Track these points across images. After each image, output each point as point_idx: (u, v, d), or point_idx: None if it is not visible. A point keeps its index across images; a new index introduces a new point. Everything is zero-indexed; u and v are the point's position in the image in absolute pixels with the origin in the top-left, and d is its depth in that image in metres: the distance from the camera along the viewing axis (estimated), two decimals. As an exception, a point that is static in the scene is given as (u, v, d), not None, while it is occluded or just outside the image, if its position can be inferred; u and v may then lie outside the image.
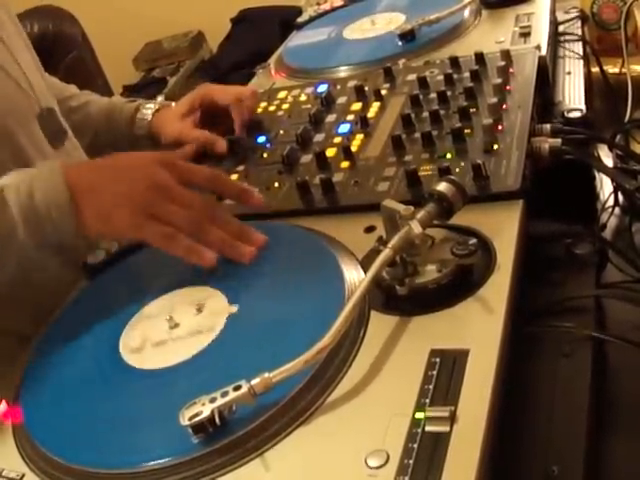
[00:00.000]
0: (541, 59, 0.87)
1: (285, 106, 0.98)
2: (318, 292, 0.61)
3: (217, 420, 0.49)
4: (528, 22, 0.98)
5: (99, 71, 2.43)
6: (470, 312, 0.55)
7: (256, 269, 0.66)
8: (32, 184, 0.68)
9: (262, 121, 0.96)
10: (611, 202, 0.82)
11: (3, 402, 0.61)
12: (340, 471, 0.46)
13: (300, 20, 1.30)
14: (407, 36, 1.03)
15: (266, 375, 0.50)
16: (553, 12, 1.04)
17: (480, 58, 0.88)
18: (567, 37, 1.04)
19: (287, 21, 1.46)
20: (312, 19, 1.29)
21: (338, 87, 0.97)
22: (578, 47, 1.00)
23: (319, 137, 0.86)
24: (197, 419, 0.49)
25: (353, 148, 0.80)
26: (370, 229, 0.67)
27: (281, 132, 0.91)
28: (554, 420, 0.52)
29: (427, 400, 0.48)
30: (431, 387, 0.49)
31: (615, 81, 1.07)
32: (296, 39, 1.25)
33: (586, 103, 0.85)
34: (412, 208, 0.58)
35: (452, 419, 0.46)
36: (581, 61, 0.97)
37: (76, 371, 0.63)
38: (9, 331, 0.80)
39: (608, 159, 0.86)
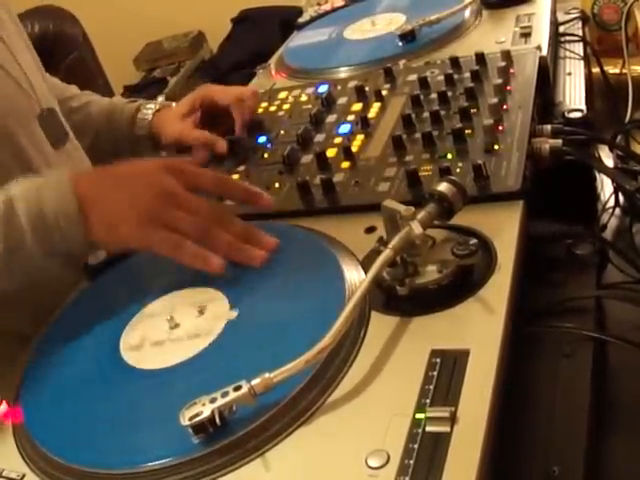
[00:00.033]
0: (542, 59, 0.87)
1: (286, 106, 0.98)
2: (319, 292, 0.61)
3: (217, 420, 0.49)
4: (529, 22, 0.98)
5: (100, 71, 2.43)
6: (471, 312, 0.55)
7: (257, 269, 0.66)
8: (41, 193, 0.68)
9: (263, 121, 0.96)
10: (611, 203, 0.82)
11: (3, 402, 0.61)
12: (341, 471, 0.46)
13: (301, 20, 1.30)
14: (407, 36, 1.03)
15: (267, 375, 0.50)
16: (554, 13, 1.04)
17: (481, 58, 0.88)
18: (568, 38, 1.04)
19: (288, 21, 1.46)
20: (313, 19, 1.29)
21: (339, 87, 0.97)
22: (579, 48, 1.00)
23: (320, 137, 0.86)
24: (197, 419, 0.49)
25: (354, 148, 0.80)
26: (371, 229, 0.67)
27: (282, 132, 0.91)
28: (554, 420, 0.52)
29: (427, 400, 0.48)
30: (431, 387, 0.49)
31: (615, 82, 1.07)
32: (297, 39, 1.25)
33: (587, 104, 0.85)
34: (413, 208, 0.58)
35: (452, 419, 0.46)
36: (582, 62, 0.97)
37: (76, 371, 0.63)
38: (9, 331, 0.80)
39: (609, 160, 0.86)
